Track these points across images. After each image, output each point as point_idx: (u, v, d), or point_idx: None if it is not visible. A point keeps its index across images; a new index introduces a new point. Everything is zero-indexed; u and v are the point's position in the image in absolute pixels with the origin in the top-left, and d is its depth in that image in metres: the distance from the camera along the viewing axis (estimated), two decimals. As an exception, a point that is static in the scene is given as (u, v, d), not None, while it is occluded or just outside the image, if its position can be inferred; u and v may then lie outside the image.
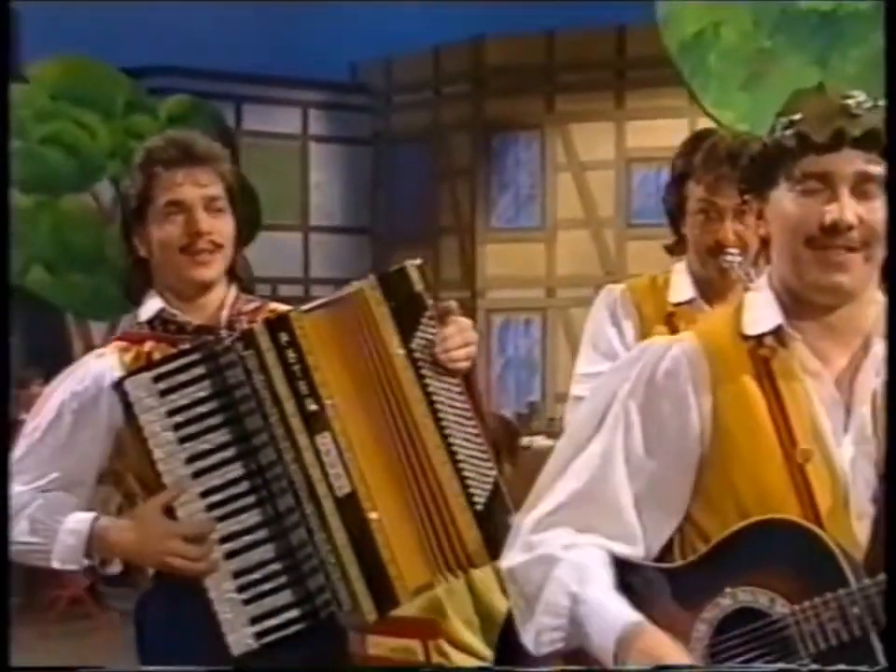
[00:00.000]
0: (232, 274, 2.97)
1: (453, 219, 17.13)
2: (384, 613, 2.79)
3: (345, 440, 2.76)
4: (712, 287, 3.29)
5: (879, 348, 2.21)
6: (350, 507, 2.76)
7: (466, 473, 2.74)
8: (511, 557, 2.24)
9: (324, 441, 2.78)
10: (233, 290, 2.97)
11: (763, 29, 7.42)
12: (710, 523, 2.19)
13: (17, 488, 2.90)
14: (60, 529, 2.84)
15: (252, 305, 2.98)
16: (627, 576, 2.19)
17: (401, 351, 2.77)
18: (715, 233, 3.28)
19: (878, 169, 2.09)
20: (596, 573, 2.18)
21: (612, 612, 2.12)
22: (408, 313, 2.75)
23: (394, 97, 17.68)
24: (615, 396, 2.25)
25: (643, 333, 3.26)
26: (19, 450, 2.97)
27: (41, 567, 3.07)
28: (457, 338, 2.75)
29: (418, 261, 2.84)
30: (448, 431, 2.75)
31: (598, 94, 15.70)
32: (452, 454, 2.75)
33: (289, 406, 2.79)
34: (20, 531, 2.86)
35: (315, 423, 2.79)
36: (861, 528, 2.11)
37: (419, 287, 2.77)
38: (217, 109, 14.40)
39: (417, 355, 2.76)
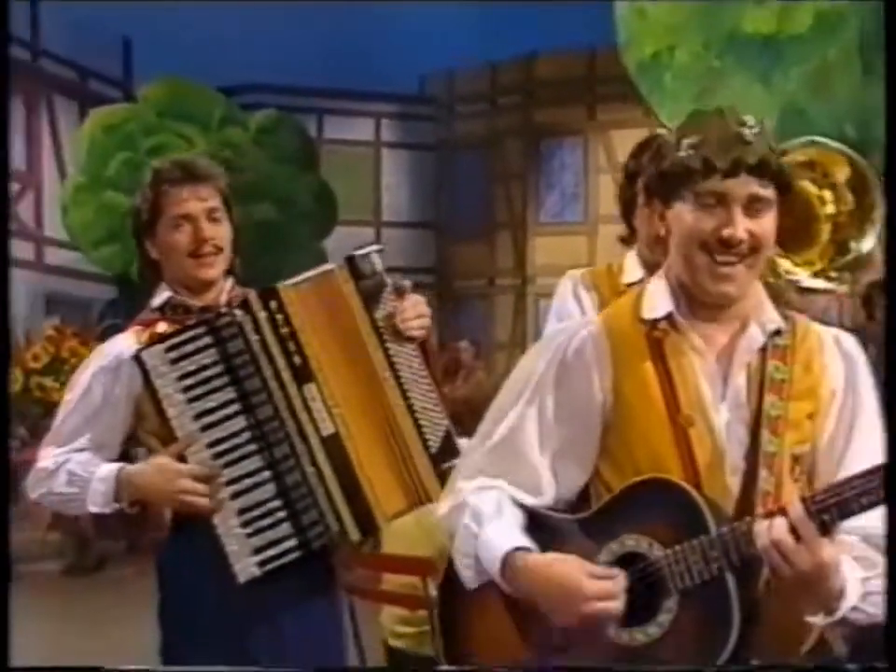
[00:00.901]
0: (229, 271, 3.03)
1: (506, 215, 17.13)
2: (366, 534, 2.86)
3: (328, 389, 2.83)
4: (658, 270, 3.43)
5: (755, 329, 2.24)
6: (333, 444, 2.81)
7: (421, 422, 2.81)
8: (443, 506, 2.34)
9: (310, 389, 2.84)
10: (230, 282, 3.03)
11: (713, 50, 7.35)
12: (613, 478, 2.23)
13: (55, 450, 2.98)
14: (92, 479, 2.92)
15: (245, 292, 2.99)
16: (541, 523, 2.28)
17: (366, 320, 2.84)
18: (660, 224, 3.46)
19: (767, 191, 2.15)
20: (493, 515, 2.26)
21: (497, 542, 2.19)
22: (370, 289, 2.83)
23: (456, 108, 17.69)
24: (535, 369, 2.31)
25: (600, 309, 3.17)
26: (58, 419, 3.05)
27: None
28: (412, 311, 2.83)
29: (379, 247, 2.93)
30: (406, 387, 2.81)
31: (635, 104, 15.58)
32: (410, 405, 2.81)
33: (280, 361, 2.85)
34: (58, 484, 2.95)
35: (302, 375, 2.85)
36: (734, 482, 2.16)
37: (379, 268, 2.85)
38: (299, 121, 14.45)
39: (380, 323, 2.83)
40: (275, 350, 2.84)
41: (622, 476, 2.20)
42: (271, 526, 2.81)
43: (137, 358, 2.82)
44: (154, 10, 12.87)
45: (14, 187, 13.88)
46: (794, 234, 2.96)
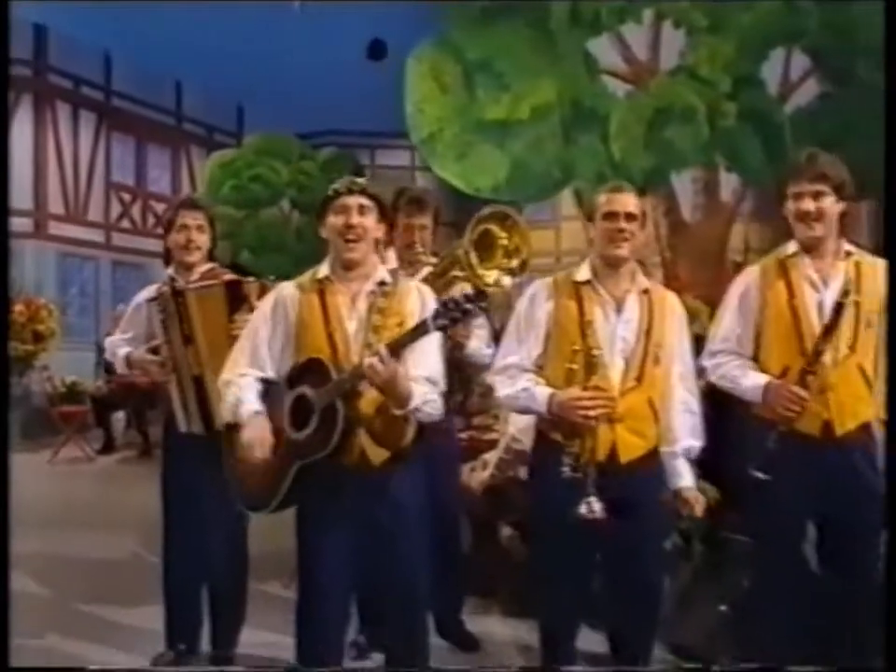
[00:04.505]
0: (210, 257, 3.39)
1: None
2: (209, 432, 3.12)
3: (200, 350, 3.18)
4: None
5: (371, 282, 2.55)
6: (199, 382, 3.18)
7: None
8: (223, 377, 2.65)
9: (191, 349, 3.23)
10: (208, 265, 3.36)
11: (467, 130, 7.71)
12: (299, 360, 2.56)
13: (112, 337, 3.55)
14: (118, 355, 3.47)
15: (214, 272, 3.36)
16: (266, 384, 2.62)
17: (227, 319, 3.11)
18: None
19: (369, 203, 2.52)
20: (247, 388, 2.58)
21: (246, 407, 2.54)
22: (235, 302, 3.11)
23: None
24: (264, 307, 2.66)
25: None
26: (118, 326, 3.58)
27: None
28: (242, 322, 2.95)
29: (252, 279, 3.21)
30: None
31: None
32: None
33: (177, 330, 3.24)
34: (109, 354, 3.52)
35: (187, 340, 3.23)
36: (355, 359, 2.45)
37: (245, 291, 3.12)
38: (355, 155, 14.54)
39: (233, 322, 3.09)
40: (175, 323, 3.25)
41: (303, 357, 2.56)
42: (182, 416, 3.27)
43: (149, 303, 3.38)
44: (260, 82, 13.17)
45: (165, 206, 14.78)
46: (484, 252, 3.15)
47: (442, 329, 2.31)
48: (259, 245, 12.52)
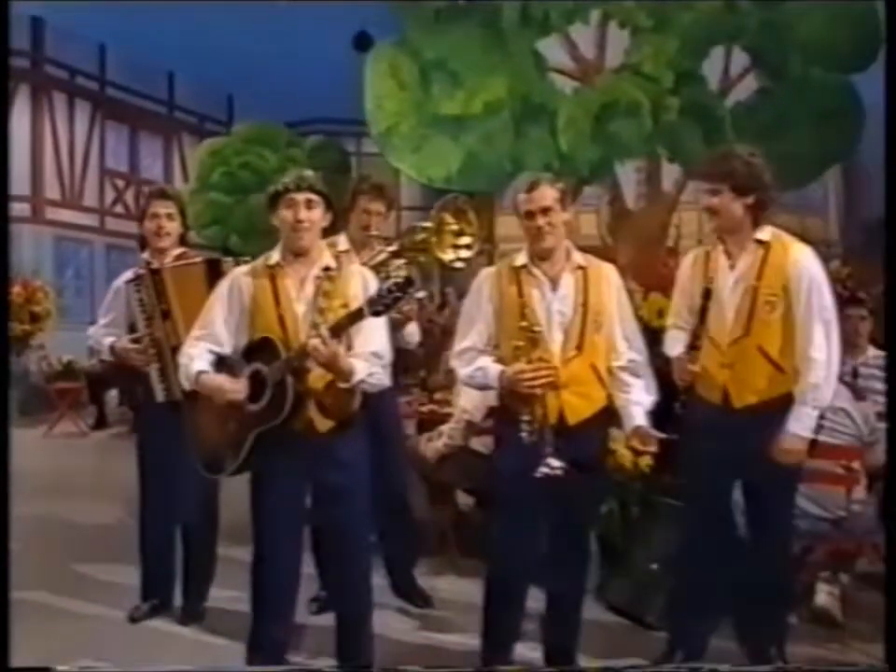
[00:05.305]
0: (182, 242, 3.44)
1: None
2: (169, 399, 3.26)
3: (177, 324, 3.23)
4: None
5: (317, 267, 2.59)
6: (174, 352, 3.06)
7: None
8: (181, 350, 2.75)
9: (168, 322, 3.31)
10: (180, 249, 3.41)
11: (423, 124, 7.81)
12: (254, 336, 2.63)
13: (96, 328, 3.53)
14: (104, 343, 3.48)
15: (186, 255, 3.41)
16: (223, 359, 2.70)
17: (205, 297, 2.91)
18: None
19: (318, 199, 2.57)
20: (196, 357, 2.66)
21: (194, 369, 2.64)
22: (214, 279, 3.02)
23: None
24: (220, 289, 2.72)
25: None
26: (101, 309, 3.55)
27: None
28: None
29: (229, 259, 3.26)
30: None
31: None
32: None
33: (156, 306, 3.30)
34: (95, 341, 3.51)
35: (165, 315, 3.32)
36: (303, 338, 2.54)
37: (226, 269, 3.07)
38: (341, 142, 14.45)
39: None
40: (154, 300, 3.33)
41: (257, 336, 2.66)
42: (157, 381, 3.39)
43: (127, 284, 3.43)
44: (250, 72, 13.08)
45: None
46: (437, 237, 3.27)
47: (376, 314, 2.45)
48: (248, 229, 12.31)
